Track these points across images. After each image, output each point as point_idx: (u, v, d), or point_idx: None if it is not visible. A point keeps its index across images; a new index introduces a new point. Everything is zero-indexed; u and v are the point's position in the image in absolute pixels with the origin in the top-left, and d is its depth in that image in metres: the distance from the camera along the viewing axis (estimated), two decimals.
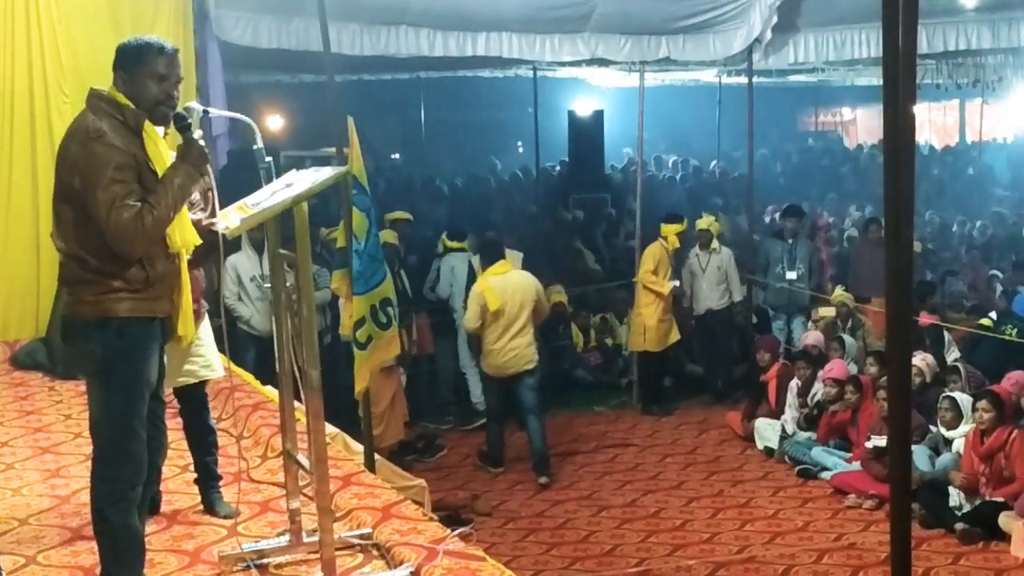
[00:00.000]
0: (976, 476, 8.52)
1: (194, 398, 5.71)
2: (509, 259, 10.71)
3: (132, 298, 4.28)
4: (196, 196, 4.71)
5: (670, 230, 12.24)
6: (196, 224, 4.61)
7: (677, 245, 12.28)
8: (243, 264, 10.50)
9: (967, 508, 8.42)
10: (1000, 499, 8.29)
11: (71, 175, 4.19)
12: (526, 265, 11.52)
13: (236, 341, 10.62)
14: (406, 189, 19.64)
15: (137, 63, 4.34)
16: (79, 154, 4.17)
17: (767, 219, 18.50)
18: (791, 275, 12.72)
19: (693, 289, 12.67)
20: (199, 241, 4.57)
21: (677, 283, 12.27)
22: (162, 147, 4.39)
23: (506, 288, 10.03)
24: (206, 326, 5.75)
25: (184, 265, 4.54)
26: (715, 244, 12.57)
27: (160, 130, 4.43)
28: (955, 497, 8.55)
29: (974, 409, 8.68)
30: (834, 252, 14.66)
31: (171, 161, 4.36)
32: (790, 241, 12.86)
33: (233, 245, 10.48)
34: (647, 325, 12.15)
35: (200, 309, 5.63)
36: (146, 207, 4.17)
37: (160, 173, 4.29)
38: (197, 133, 4.43)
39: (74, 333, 4.34)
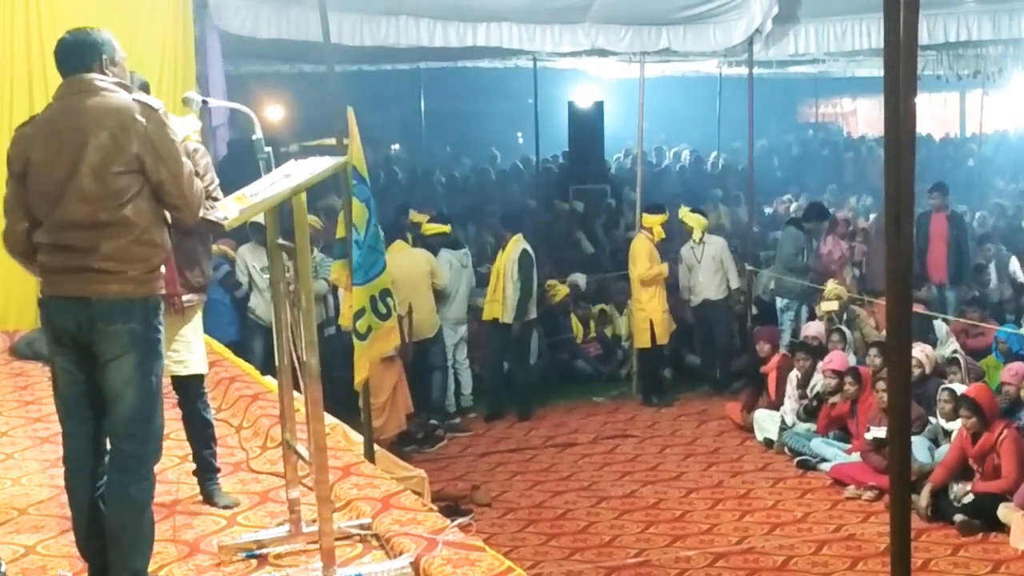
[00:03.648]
0: (951, 471, 8.58)
1: (186, 392, 5.69)
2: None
3: (159, 276, 4.39)
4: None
5: (654, 221, 12.29)
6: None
7: (663, 235, 12.32)
8: (250, 254, 10.55)
9: (965, 500, 8.43)
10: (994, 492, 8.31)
11: (138, 146, 4.25)
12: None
13: (247, 330, 10.71)
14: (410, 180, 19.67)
15: (114, 49, 4.51)
16: (148, 127, 4.27)
17: (770, 210, 18.50)
18: (813, 265, 12.75)
19: (691, 281, 12.66)
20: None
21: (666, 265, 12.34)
22: None
23: (398, 264, 10.10)
24: (194, 323, 5.69)
25: None
26: (697, 235, 12.56)
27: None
28: (954, 489, 8.56)
29: (959, 414, 8.70)
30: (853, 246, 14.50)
31: None
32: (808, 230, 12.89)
33: (245, 235, 10.52)
34: (654, 319, 12.14)
35: (187, 304, 5.57)
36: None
37: None
38: None
39: (112, 313, 4.28)
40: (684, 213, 12.75)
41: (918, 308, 11.28)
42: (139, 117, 4.28)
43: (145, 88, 4.79)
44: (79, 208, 4.28)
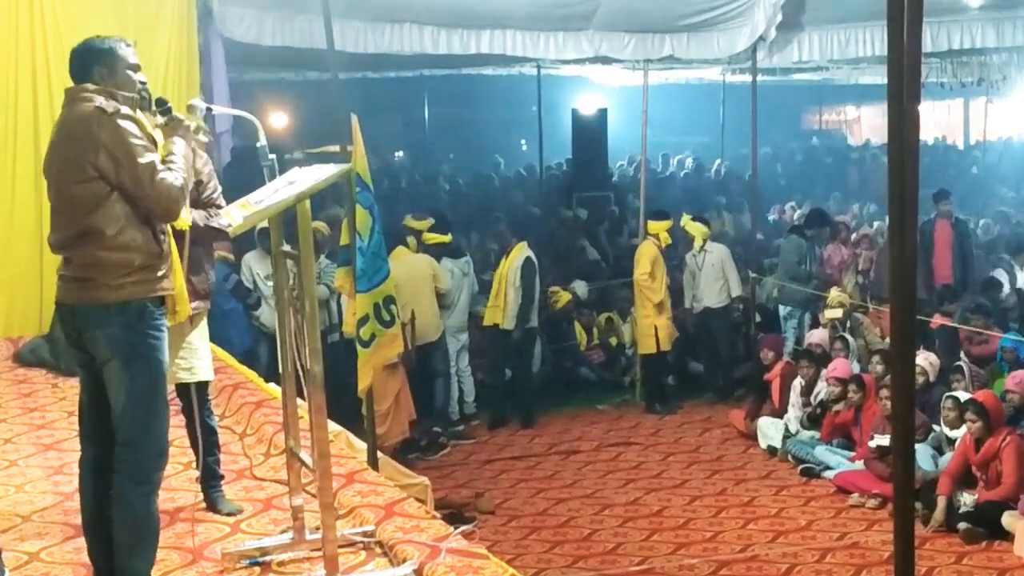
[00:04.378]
0: (955, 479, 8.57)
1: (190, 399, 5.69)
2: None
3: (147, 279, 4.37)
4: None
5: (659, 227, 12.33)
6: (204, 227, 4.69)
7: (669, 241, 12.36)
8: (256, 262, 10.54)
9: (967, 508, 8.42)
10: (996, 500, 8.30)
11: (93, 153, 4.26)
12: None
13: (252, 338, 10.72)
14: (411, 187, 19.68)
15: (114, 57, 4.52)
16: (101, 131, 4.28)
17: (772, 217, 18.49)
18: (816, 272, 12.76)
19: (693, 288, 12.68)
20: (189, 222, 4.66)
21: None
22: (152, 128, 4.54)
23: (400, 269, 9.85)
24: (200, 329, 5.69)
25: (174, 243, 4.62)
26: (697, 243, 12.57)
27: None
28: (959, 498, 8.54)
29: (964, 419, 8.69)
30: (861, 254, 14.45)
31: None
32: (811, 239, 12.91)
33: (248, 242, 10.52)
34: (658, 324, 12.17)
35: (195, 311, 5.56)
36: (174, 172, 4.37)
37: (159, 150, 4.46)
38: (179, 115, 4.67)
39: (91, 319, 4.36)
40: (685, 221, 12.77)
41: (945, 320, 11.31)
42: (93, 124, 4.29)
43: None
44: (56, 220, 4.44)
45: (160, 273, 4.42)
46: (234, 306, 10.55)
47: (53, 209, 4.46)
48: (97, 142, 4.26)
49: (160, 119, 4.62)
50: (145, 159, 4.28)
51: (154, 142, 4.44)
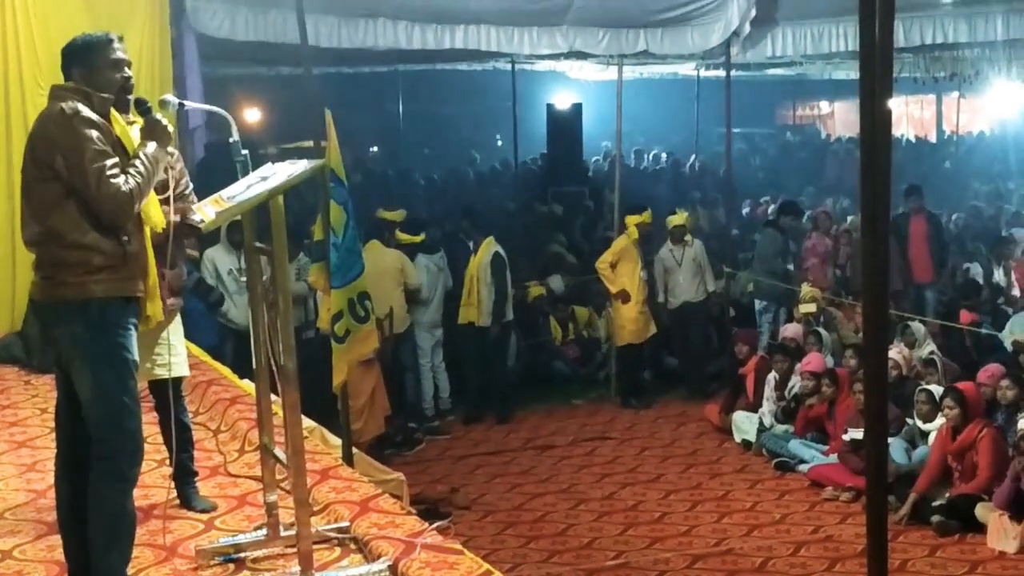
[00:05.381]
0: (934, 476, 8.59)
1: (163, 395, 5.66)
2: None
3: (110, 278, 4.33)
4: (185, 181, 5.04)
5: (631, 220, 12.31)
6: (178, 223, 4.67)
7: (636, 236, 12.24)
8: (220, 257, 10.45)
9: (940, 500, 8.46)
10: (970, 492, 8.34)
11: (51, 155, 4.26)
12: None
13: (217, 335, 10.63)
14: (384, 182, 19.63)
15: (94, 55, 4.48)
16: (58, 133, 4.27)
17: (744, 210, 18.56)
18: (792, 267, 12.78)
19: (668, 284, 12.66)
20: (163, 223, 4.61)
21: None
22: (127, 130, 4.50)
23: (369, 262, 9.71)
24: (175, 325, 5.66)
25: (150, 245, 4.57)
26: (688, 238, 12.59)
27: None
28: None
29: (941, 407, 8.73)
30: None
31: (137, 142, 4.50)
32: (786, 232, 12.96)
33: (211, 238, 10.44)
34: (627, 317, 12.18)
35: (170, 307, 5.54)
36: (131, 175, 4.31)
37: (130, 152, 4.42)
38: (158, 115, 4.60)
39: (54, 316, 4.36)
40: (683, 217, 12.72)
41: (973, 316, 11.38)
42: (52, 125, 4.29)
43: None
44: (23, 218, 4.44)
45: (125, 274, 4.39)
46: (195, 304, 10.45)
47: (21, 207, 4.46)
48: (55, 143, 4.26)
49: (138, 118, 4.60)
50: (95, 163, 4.23)
51: (122, 144, 4.40)
